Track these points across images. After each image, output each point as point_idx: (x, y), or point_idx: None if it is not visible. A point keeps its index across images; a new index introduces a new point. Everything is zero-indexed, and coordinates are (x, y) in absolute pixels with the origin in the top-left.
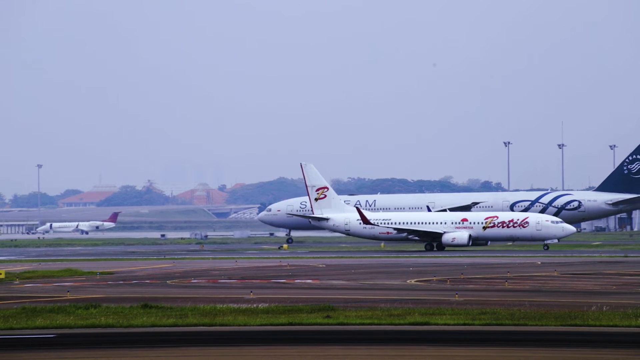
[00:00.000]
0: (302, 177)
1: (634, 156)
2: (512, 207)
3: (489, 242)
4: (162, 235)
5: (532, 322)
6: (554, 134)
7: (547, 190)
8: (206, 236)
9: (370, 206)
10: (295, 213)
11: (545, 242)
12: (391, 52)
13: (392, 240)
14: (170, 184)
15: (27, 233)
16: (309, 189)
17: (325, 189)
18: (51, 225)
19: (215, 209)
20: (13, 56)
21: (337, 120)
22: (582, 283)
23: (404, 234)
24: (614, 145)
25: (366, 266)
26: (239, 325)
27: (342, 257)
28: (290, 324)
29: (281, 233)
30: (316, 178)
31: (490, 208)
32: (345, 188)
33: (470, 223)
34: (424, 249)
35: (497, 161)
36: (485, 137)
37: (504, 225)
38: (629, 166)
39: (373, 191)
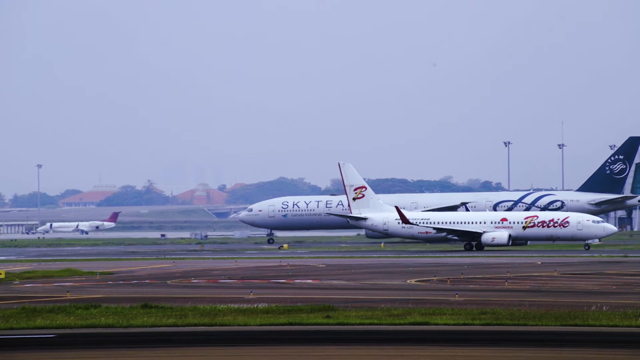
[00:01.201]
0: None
1: (616, 157)
2: (495, 207)
3: (529, 242)
4: (162, 235)
5: (532, 322)
6: (554, 134)
7: (530, 190)
8: (206, 236)
9: None
10: (334, 212)
11: (586, 242)
12: (391, 52)
13: (431, 240)
14: (170, 184)
15: (27, 233)
16: (347, 188)
17: (364, 189)
18: (51, 225)
19: (215, 209)
20: (14, 55)
21: (337, 120)
22: (582, 283)
23: (443, 234)
24: (614, 145)
25: (366, 266)
26: (239, 325)
27: (342, 257)
28: (290, 324)
29: (279, 233)
30: (354, 177)
31: (473, 208)
32: None
33: (510, 223)
34: (462, 249)
35: (497, 161)
36: (485, 137)
37: (544, 224)
38: (611, 166)
39: (374, 191)
